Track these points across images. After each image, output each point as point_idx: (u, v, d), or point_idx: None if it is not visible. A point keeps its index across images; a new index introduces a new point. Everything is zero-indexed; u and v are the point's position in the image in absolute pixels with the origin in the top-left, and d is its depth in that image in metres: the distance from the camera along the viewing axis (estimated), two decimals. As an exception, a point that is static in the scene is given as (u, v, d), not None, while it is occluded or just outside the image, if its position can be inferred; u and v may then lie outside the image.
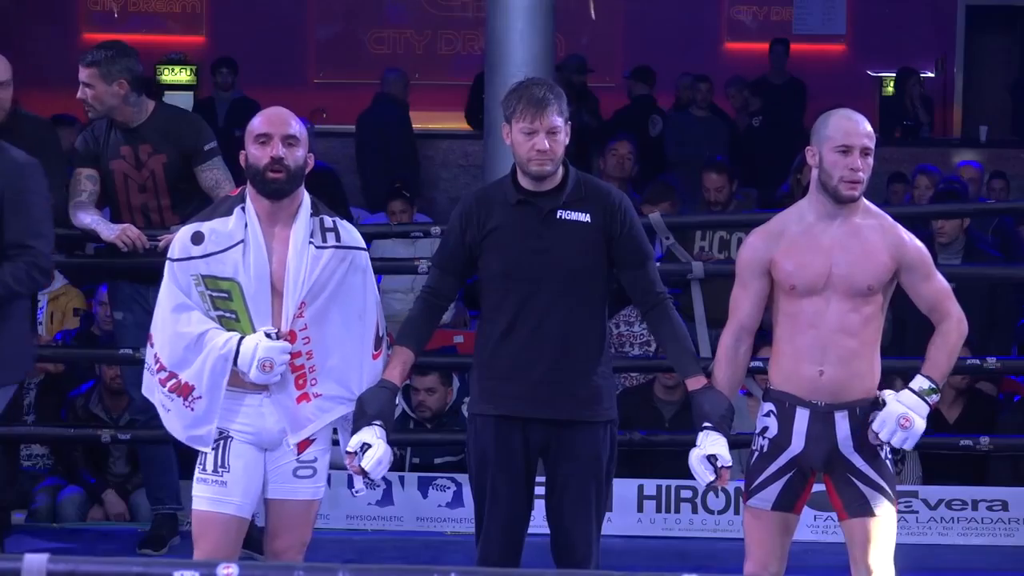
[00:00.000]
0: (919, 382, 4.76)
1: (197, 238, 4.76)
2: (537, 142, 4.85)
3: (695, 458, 4.81)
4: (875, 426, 4.72)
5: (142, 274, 6.40)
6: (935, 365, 4.79)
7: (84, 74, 6.51)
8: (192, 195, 6.40)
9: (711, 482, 4.81)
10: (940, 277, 4.86)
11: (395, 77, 12.67)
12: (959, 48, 15.46)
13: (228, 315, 4.74)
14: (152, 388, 4.83)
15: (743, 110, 13.17)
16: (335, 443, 4.95)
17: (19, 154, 5.65)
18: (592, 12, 11.61)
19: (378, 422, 4.78)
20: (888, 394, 4.76)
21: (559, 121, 4.87)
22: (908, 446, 4.75)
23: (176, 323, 4.75)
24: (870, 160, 4.76)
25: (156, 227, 6.46)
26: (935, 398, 4.77)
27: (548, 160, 4.87)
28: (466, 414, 7.50)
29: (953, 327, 4.81)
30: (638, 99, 12.79)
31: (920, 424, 4.72)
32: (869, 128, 4.79)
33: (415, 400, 7.39)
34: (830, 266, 4.77)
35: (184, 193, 6.42)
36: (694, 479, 4.84)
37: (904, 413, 4.70)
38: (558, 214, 4.92)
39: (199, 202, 6.12)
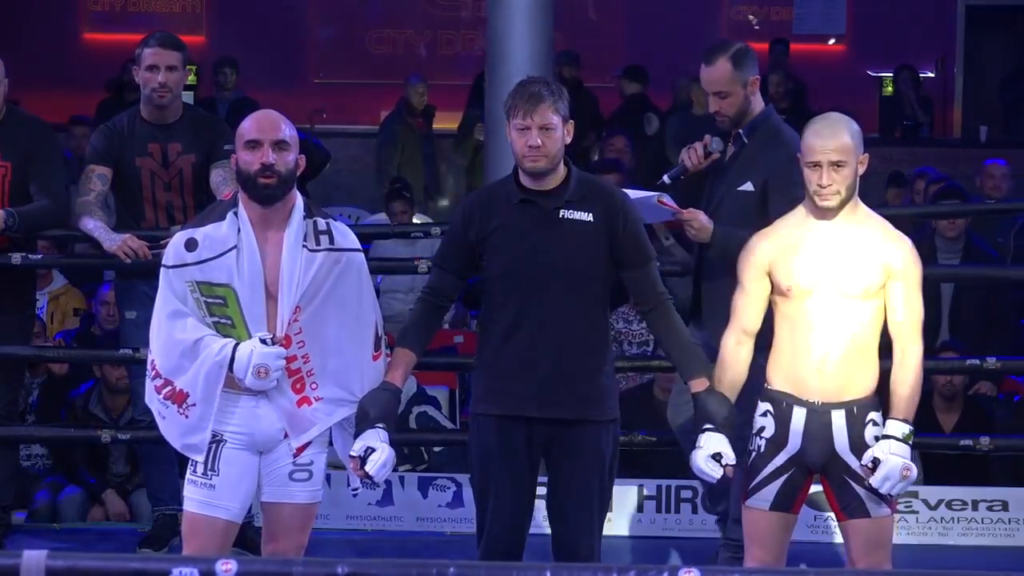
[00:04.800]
0: (900, 428, 4.77)
1: (191, 244, 4.75)
2: (529, 138, 4.85)
3: (701, 458, 4.82)
4: (876, 483, 4.74)
5: (155, 272, 6.36)
6: (908, 405, 4.81)
7: (169, 57, 6.39)
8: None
9: (720, 478, 4.83)
10: (920, 301, 4.87)
11: (411, 83, 12.72)
12: (959, 48, 15.48)
13: (224, 321, 4.74)
14: (151, 396, 4.84)
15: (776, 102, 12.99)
16: (330, 444, 4.94)
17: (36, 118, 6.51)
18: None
19: (381, 425, 4.78)
20: (879, 449, 4.75)
21: (553, 118, 4.86)
22: (905, 488, 4.80)
23: (172, 330, 4.75)
24: (845, 171, 4.77)
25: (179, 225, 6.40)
26: (912, 438, 4.80)
27: (541, 156, 4.86)
28: (412, 424, 7.53)
29: (918, 362, 4.84)
30: (632, 98, 12.74)
31: (915, 470, 4.77)
32: (841, 140, 4.78)
33: None
34: (826, 268, 4.80)
35: (210, 193, 6.39)
36: (694, 479, 4.85)
37: (905, 465, 4.73)
38: (560, 213, 4.91)
39: None
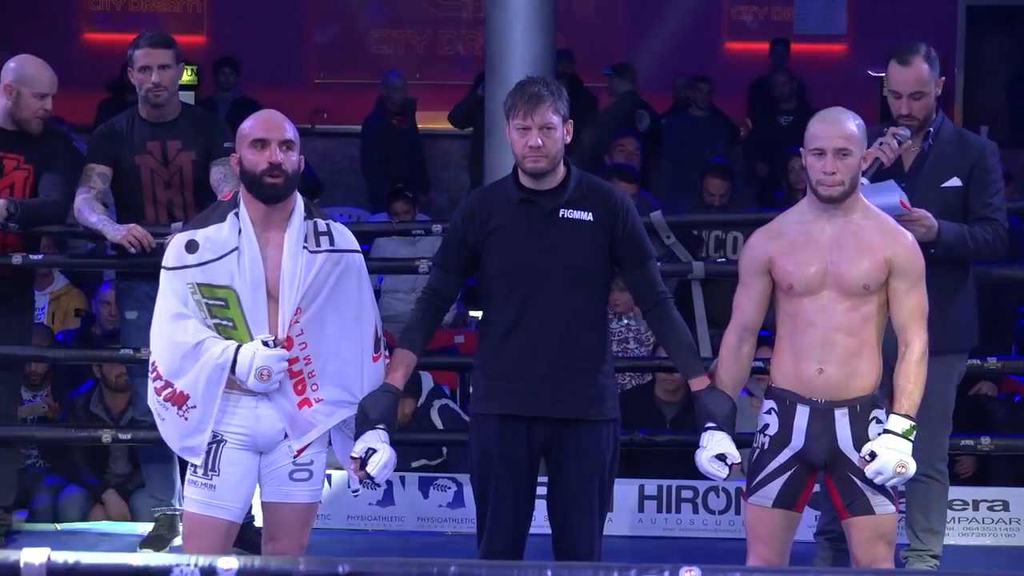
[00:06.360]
0: (900, 424, 4.77)
1: (191, 246, 4.75)
2: (530, 139, 4.85)
3: (705, 458, 4.83)
4: (870, 474, 4.74)
5: (158, 273, 6.35)
6: (910, 400, 4.80)
7: (160, 56, 6.39)
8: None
9: (726, 478, 4.85)
10: (924, 295, 4.86)
11: (389, 81, 12.68)
12: (959, 48, 15.46)
13: (225, 323, 4.74)
14: (152, 397, 4.84)
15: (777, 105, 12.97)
16: (329, 444, 4.94)
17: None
18: None
19: (381, 426, 4.79)
20: (877, 443, 4.75)
21: (554, 118, 4.87)
22: (900, 483, 4.80)
23: (173, 332, 4.75)
24: (850, 161, 4.79)
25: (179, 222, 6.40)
26: (914, 434, 4.78)
27: (542, 157, 4.86)
28: (434, 417, 7.51)
29: (921, 357, 4.82)
30: (624, 96, 12.69)
31: (913, 466, 4.76)
32: (849, 129, 4.80)
33: None
34: (827, 265, 4.80)
35: (209, 190, 6.39)
36: (695, 479, 4.86)
37: (900, 461, 4.73)
38: (560, 213, 4.92)
39: None
